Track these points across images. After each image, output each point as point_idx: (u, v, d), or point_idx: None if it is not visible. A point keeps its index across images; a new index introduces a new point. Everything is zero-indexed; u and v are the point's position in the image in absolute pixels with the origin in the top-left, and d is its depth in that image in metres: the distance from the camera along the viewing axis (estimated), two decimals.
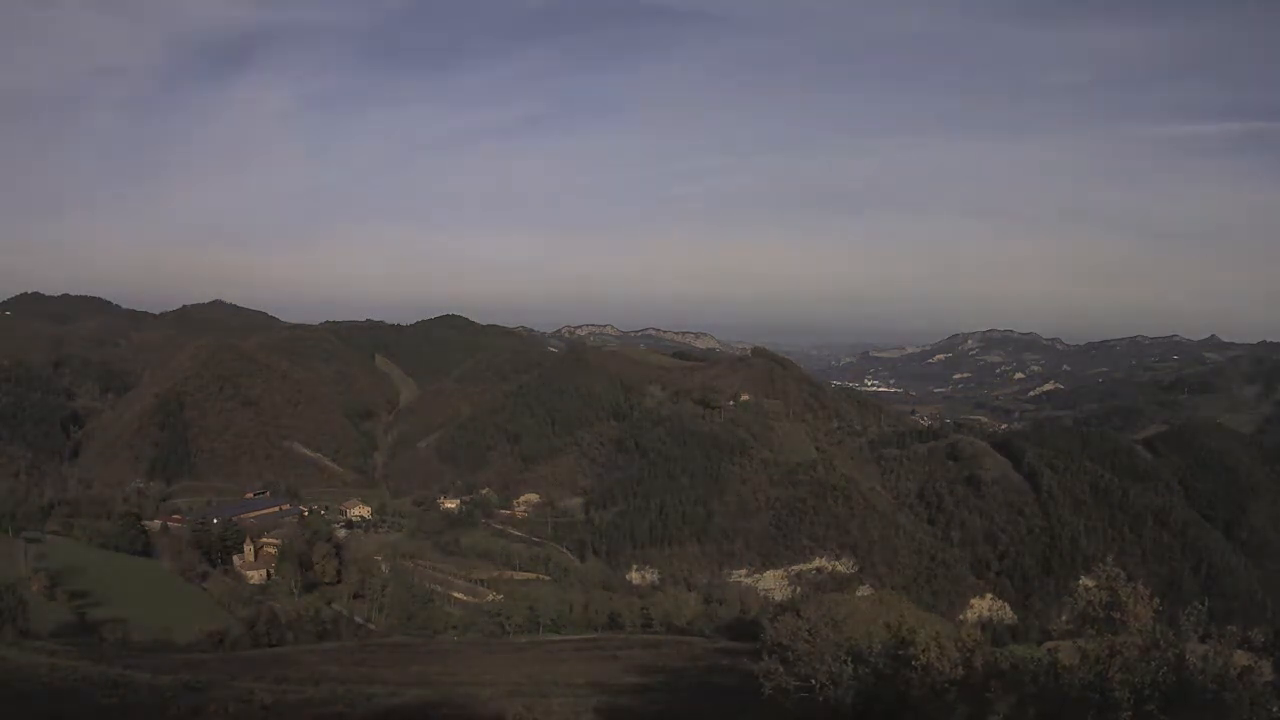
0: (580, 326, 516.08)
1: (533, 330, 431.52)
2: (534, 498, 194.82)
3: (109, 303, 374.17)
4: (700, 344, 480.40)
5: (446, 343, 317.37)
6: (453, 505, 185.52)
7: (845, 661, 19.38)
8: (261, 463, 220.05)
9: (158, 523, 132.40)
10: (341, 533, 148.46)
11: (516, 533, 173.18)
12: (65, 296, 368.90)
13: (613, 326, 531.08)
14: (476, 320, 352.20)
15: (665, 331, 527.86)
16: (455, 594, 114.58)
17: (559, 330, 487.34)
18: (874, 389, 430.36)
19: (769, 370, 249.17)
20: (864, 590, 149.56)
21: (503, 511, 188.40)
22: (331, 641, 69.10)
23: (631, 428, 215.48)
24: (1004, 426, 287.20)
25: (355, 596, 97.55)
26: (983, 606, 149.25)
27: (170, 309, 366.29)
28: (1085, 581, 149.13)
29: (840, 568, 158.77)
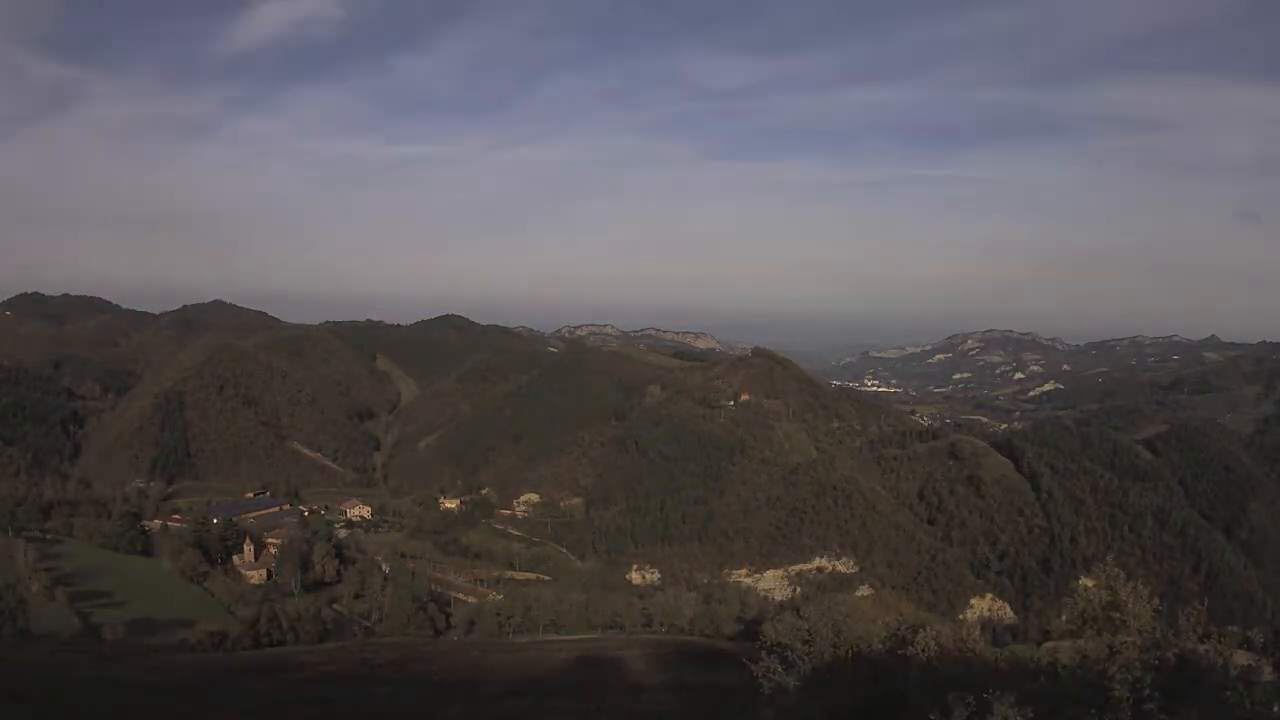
0: (580, 326, 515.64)
1: (533, 330, 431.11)
2: (534, 498, 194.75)
3: (109, 303, 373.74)
4: (700, 344, 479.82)
5: (446, 343, 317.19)
6: (453, 505, 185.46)
7: (845, 661, 19.41)
8: (261, 463, 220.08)
9: (158, 523, 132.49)
10: (341, 533, 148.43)
11: (516, 533, 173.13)
12: (65, 296, 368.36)
13: (613, 326, 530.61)
14: (476, 320, 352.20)
15: (665, 331, 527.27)
16: (456, 594, 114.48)
17: (559, 330, 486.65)
18: (874, 389, 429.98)
19: (769, 370, 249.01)
20: (864, 590, 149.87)
21: (503, 511, 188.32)
22: (332, 641, 69.17)
23: (631, 428, 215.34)
24: (1004, 426, 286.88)
25: (356, 596, 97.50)
26: (983, 606, 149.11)
27: (170, 309, 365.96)
28: (1085, 581, 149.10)
29: (840, 568, 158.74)
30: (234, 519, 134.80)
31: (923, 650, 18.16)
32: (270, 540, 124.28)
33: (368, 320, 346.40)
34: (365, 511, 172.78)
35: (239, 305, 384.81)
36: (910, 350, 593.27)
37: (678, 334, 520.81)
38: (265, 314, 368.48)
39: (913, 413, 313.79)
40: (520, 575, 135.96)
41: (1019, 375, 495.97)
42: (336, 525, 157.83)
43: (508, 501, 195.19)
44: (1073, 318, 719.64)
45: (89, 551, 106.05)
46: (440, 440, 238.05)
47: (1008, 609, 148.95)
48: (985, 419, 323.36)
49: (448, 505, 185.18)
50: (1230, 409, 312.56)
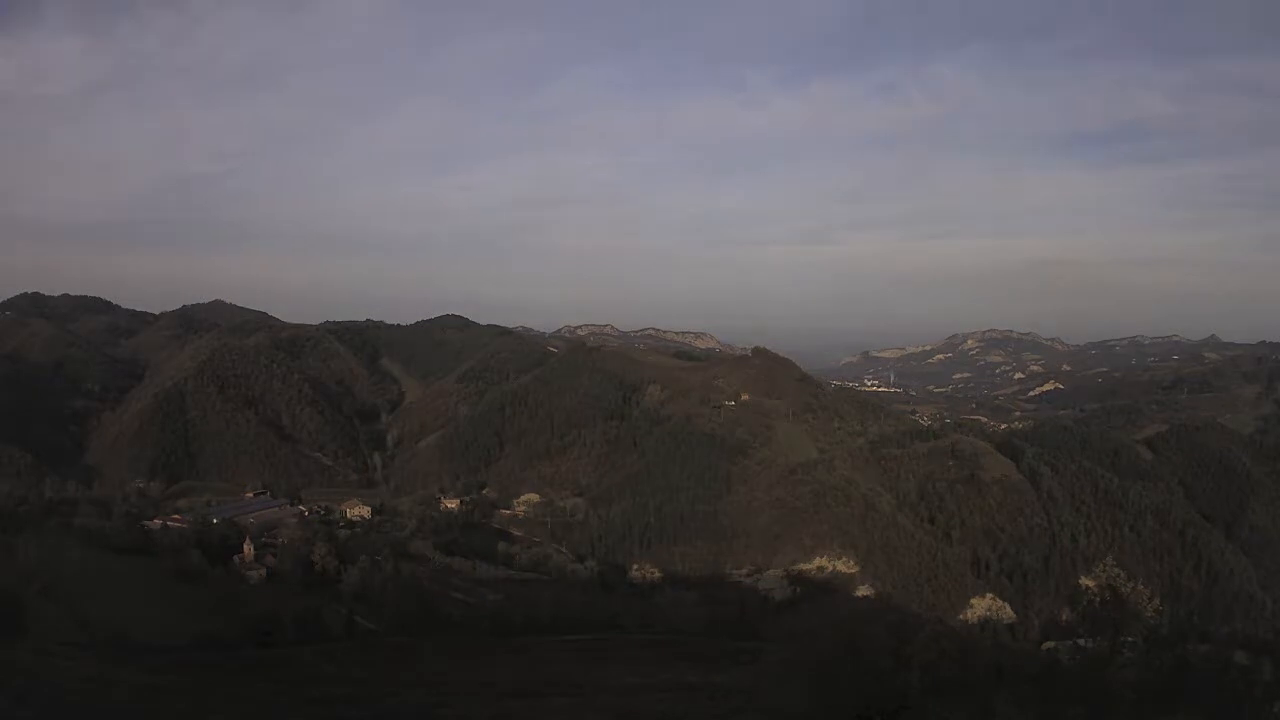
0: (580, 326, 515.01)
1: (533, 330, 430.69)
2: (534, 498, 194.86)
3: (109, 303, 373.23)
4: (700, 344, 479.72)
5: (446, 343, 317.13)
6: (453, 505, 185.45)
7: (845, 662, 19.39)
8: (261, 463, 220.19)
9: (158, 523, 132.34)
10: (342, 533, 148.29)
11: (516, 533, 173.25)
12: (65, 296, 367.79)
13: (613, 326, 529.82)
14: (476, 320, 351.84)
15: (665, 331, 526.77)
16: (455, 594, 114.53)
17: (559, 330, 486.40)
18: (874, 389, 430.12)
19: (769, 370, 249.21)
20: (864, 590, 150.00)
21: (503, 511, 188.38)
22: (333, 641, 69.19)
23: (631, 428, 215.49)
24: (1004, 426, 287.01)
25: (356, 597, 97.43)
26: (983, 606, 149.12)
27: (170, 309, 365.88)
28: (1085, 581, 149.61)
29: (841, 568, 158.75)
30: (234, 519, 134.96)
31: (922, 650, 18.16)
32: (270, 540, 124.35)
33: (368, 320, 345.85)
34: (365, 511, 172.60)
35: (239, 305, 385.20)
36: (910, 350, 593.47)
37: (678, 334, 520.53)
38: (265, 314, 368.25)
39: (913, 413, 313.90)
40: (520, 575, 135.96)
41: (1019, 375, 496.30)
42: (337, 525, 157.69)
43: (507, 502, 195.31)
44: (1073, 318, 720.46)
45: (89, 551, 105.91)
46: (440, 440, 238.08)
47: (1008, 609, 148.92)
48: (985, 419, 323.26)
49: (448, 505, 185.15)
50: (1230, 409, 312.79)
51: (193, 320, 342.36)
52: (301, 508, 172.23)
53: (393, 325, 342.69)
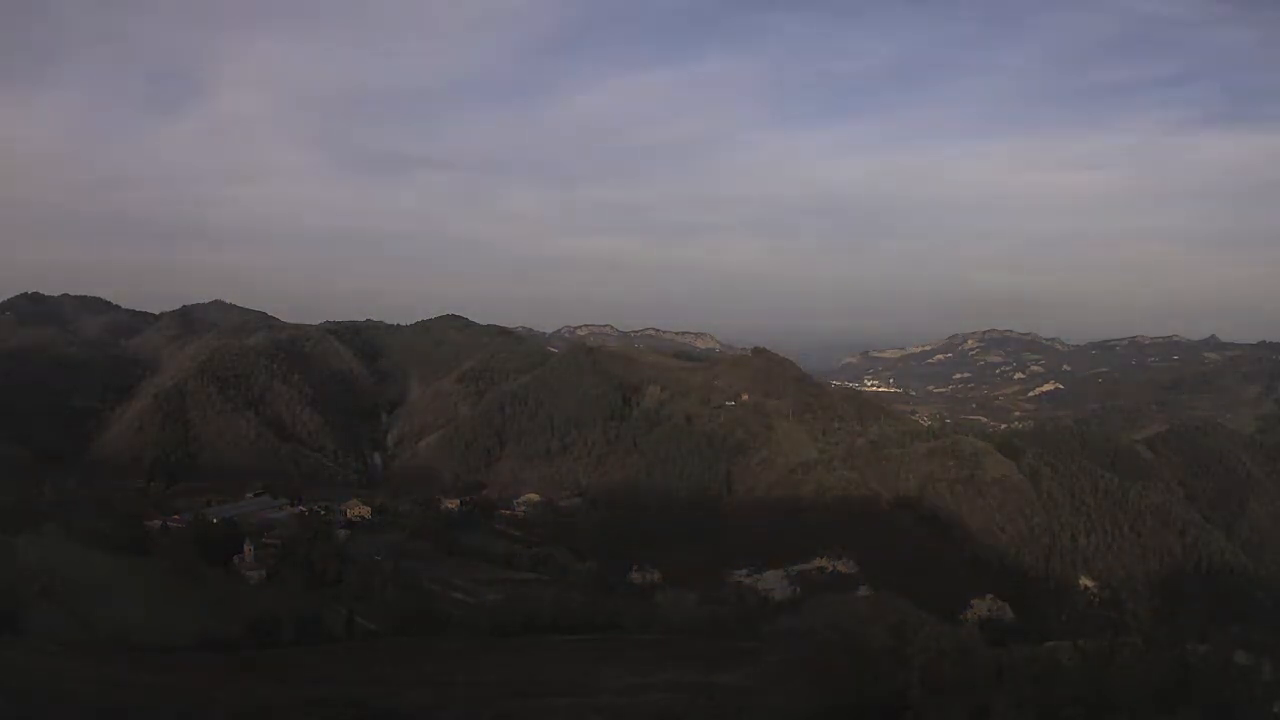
0: (580, 326, 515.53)
1: (533, 330, 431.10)
2: (534, 498, 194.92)
3: (109, 303, 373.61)
4: (700, 344, 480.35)
5: (446, 343, 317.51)
6: (453, 505, 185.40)
7: (845, 661, 19.39)
8: (261, 463, 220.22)
9: (158, 523, 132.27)
10: (341, 533, 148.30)
11: (516, 533, 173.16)
12: (65, 296, 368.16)
13: (613, 326, 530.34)
14: (476, 320, 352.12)
15: (665, 331, 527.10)
16: (455, 594, 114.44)
17: (559, 330, 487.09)
18: (874, 389, 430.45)
19: (769, 370, 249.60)
20: (864, 590, 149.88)
21: (503, 511, 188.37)
22: (333, 642, 69.17)
23: (631, 428, 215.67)
24: (1004, 426, 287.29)
25: (356, 597, 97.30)
26: (983, 606, 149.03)
27: (170, 309, 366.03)
28: (1085, 581, 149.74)
29: (840, 568, 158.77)
30: (234, 519, 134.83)
31: (922, 651, 18.17)
32: (270, 540, 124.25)
33: (368, 320, 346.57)
34: (365, 511, 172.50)
35: (239, 305, 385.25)
36: (910, 350, 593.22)
37: (678, 334, 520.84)
38: (265, 314, 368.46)
39: (913, 413, 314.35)
40: (520, 575, 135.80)
41: (1019, 375, 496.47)
42: (337, 525, 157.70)
43: (508, 502, 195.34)
44: (1073, 317, 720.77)
45: (88, 552, 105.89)
46: (440, 440, 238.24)
47: (1008, 609, 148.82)
48: (985, 419, 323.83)
49: (448, 505, 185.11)
50: (1230, 409, 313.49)
51: (193, 320, 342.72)
52: (301, 508, 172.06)
53: (393, 325, 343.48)
